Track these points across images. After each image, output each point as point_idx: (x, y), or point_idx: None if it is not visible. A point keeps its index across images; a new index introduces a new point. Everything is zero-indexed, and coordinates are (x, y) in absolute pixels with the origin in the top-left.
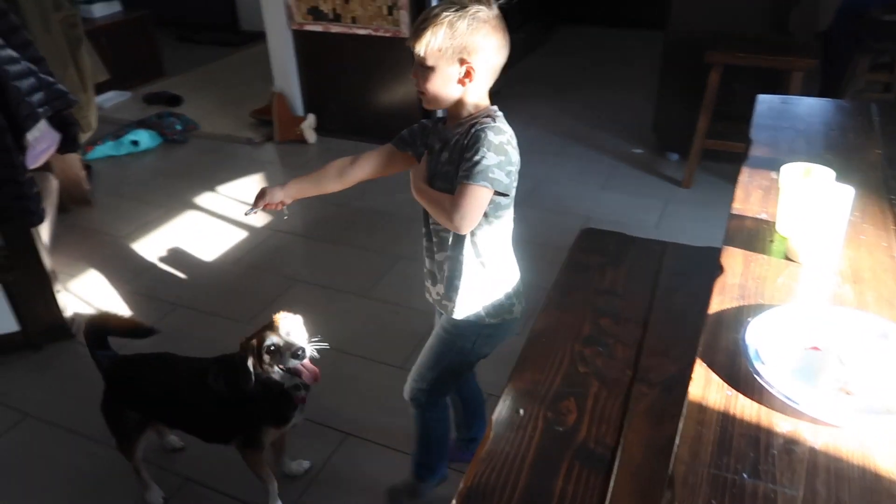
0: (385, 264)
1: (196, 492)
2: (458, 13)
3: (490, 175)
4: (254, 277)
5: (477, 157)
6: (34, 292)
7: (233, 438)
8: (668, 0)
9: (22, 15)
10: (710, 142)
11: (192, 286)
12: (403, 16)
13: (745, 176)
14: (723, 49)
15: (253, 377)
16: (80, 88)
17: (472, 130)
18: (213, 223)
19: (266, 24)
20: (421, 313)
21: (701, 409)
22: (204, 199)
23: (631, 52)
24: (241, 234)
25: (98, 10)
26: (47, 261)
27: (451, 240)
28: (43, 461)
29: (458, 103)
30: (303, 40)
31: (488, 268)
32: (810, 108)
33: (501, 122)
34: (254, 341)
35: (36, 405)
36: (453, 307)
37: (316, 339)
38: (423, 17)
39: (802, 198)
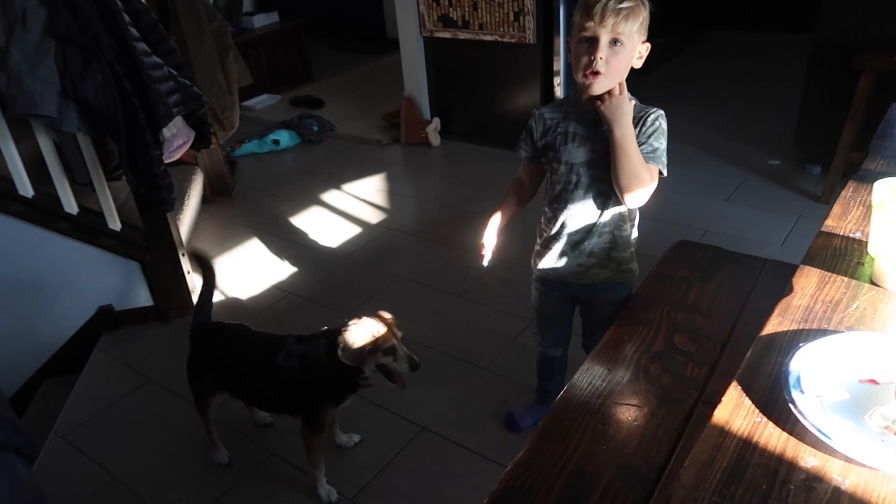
0: (485, 267)
1: (278, 466)
2: None
3: (663, 159)
4: (361, 271)
5: (657, 144)
6: (167, 272)
7: (293, 411)
8: (818, 1)
9: (181, 25)
10: (857, 154)
11: (305, 276)
12: (529, 22)
13: (849, 190)
14: (875, 53)
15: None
16: (226, 91)
17: (649, 116)
18: (334, 218)
19: (400, 31)
20: (512, 317)
21: (722, 433)
22: (329, 195)
23: (778, 58)
24: (356, 230)
25: (258, 21)
26: (180, 245)
27: (613, 214)
28: (156, 421)
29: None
30: (432, 46)
31: (634, 231)
32: None
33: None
34: (382, 335)
35: (158, 372)
36: (611, 274)
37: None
38: None
39: (893, 215)
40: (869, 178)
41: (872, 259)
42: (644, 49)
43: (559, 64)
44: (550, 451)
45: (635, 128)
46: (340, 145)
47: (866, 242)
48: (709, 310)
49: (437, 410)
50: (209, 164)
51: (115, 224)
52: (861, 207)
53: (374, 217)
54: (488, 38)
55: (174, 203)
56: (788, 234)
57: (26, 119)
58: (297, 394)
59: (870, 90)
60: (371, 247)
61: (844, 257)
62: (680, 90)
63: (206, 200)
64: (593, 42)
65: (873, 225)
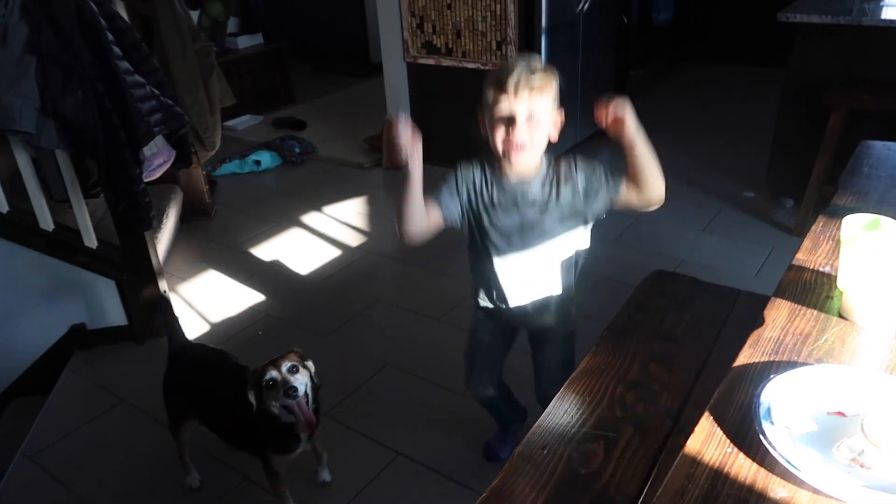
0: (464, 291)
1: (251, 491)
2: (546, 65)
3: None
4: (340, 294)
5: (600, 167)
6: (142, 291)
7: (245, 450)
8: (790, 37)
9: (164, 45)
10: (828, 189)
11: (284, 297)
12: (511, 51)
13: (820, 225)
14: (845, 90)
15: (254, 405)
16: (208, 111)
17: (571, 167)
18: (314, 240)
19: (384, 56)
20: None
21: (694, 463)
22: (309, 217)
23: (754, 91)
24: (336, 252)
25: (242, 42)
26: (157, 264)
27: (564, 267)
28: (126, 443)
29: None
30: (416, 72)
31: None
32: None
33: None
34: (261, 367)
35: (131, 393)
36: (562, 318)
37: (318, 381)
38: (517, 73)
39: (861, 250)
40: (838, 214)
41: (841, 293)
42: (559, 119)
43: None
44: (525, 479)
45: (577, 177)
46: (322, 167)
47: (835, 276)
48: (684, 339)
49: (413, 436)
50: (189, 184)
51: (91, 241)
52: (830, 242)
53: (353, 240)
54: (471, 65)
55: (152, 222)
56: (762, 265)
57: (3, 135)
58: (245, 433)
59: (840, 126)
60: (350, 269)
61: (814, 291)
62: (658, 120)
63: (184, 219)
64: (511, 120)
65: (842, 259)
